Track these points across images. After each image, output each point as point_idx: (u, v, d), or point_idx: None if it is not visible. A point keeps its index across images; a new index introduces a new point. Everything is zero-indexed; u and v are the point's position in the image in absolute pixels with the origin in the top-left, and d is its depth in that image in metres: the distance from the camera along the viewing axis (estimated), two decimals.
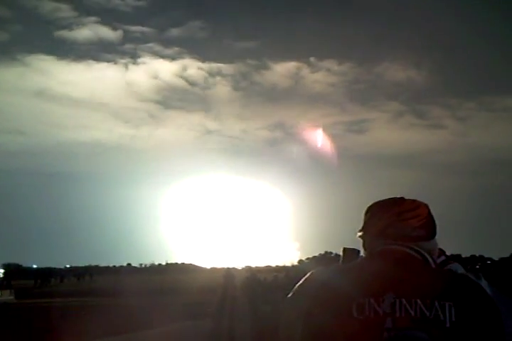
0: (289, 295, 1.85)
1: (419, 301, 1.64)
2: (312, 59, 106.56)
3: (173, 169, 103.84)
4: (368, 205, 1.94)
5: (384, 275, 1.71)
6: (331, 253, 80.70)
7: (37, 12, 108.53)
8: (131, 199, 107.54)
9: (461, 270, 1.80)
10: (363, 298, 1.67)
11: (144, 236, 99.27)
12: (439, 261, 1.83)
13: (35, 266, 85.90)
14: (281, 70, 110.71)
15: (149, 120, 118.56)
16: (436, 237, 1.90)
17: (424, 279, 1.70)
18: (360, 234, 1.92)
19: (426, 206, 1.89)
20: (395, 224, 1.81)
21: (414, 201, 1.89)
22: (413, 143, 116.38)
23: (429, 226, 1.85)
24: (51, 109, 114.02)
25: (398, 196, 1.91)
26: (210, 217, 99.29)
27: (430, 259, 1.78)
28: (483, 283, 1.72)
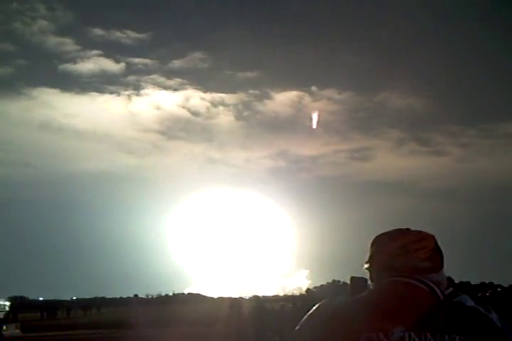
0: (297, 328, 1.83)
1: (428, 335, 1.62)
2: (313, 88, 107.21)
3: (177, 198, 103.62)
4: (374, 237, 1.92)
5: (392, 309, 1.69)
6: (338, 281, 79.57)
7: (41, 46, 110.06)
8: (136, 230, 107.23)
9: (470, 302, 1.76)
10: (372, 332, 1.65)
11: (150, 267, 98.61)
12: (447, 292, 1.80)
13: (41, 299, 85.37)
14: (283, 99, 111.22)
15: (153, 150, 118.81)
16: (445, 265, 1.87)
17: (433, 312, 1.67)
18: (366, 266, 1.90)
19: (432, 237, 1.85)
20: (401, 256, 1.78)
21: (420, 232, 1.86)
22: (416, 170, 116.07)
23: (435, 258, 1.82)
24: (56, 140, 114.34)
25: (404, 225, 1.89)
26: (216, 246, 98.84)
27: (438, 291, 1.75)
28: (494, 316, 1.69)
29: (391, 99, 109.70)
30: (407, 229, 1.89)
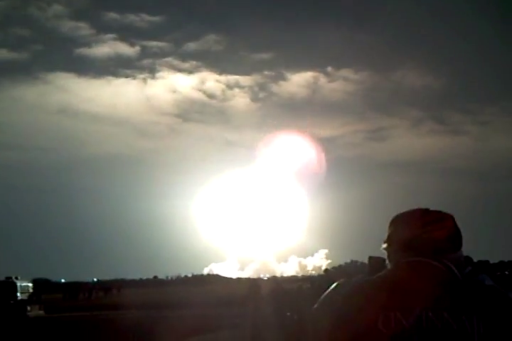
0: (315, 306, 1.85)
1: (446, 314, 1.62)
2: (329, 68, 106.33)
3: (195, 181, 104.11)
4: (392, 217, 1.92)
5: (410, 288, 1.69)
6: (356, 261, 79.94)
7: (56, 31, 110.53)
8: (154, 212, 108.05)
9: (488, 281, 1.77)
10: (390, 311, 1.65)
11: (170, 249, 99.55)
12: (466, 272, 1.80)
13: (63, 281, 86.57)
14: (299, 80, 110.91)
15: (169, 133, 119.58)
16: (464, 244, 1.87)
17: (451, 292, 1.68)
18: (384, 246, 1.89)
19: (451, 217, 1.84)
20: (420, 236, 1.77)
21: (439, 212, 1.84)
22: (434, 149, 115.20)
23: (454, 238, 1.81)
24: (73, 125, 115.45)
25: (421, 205, 1.87)
26: (235, 226, 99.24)
27: (456, 271, 1.75)
28: (511, 295, 1.69)
29: (408, 78, 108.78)
30: (426, 209, 1.88)
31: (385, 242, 1.90)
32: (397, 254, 1.82)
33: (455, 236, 1.82)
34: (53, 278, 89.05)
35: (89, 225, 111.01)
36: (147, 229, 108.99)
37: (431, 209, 1.89)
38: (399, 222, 1.88)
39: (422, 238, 1.78)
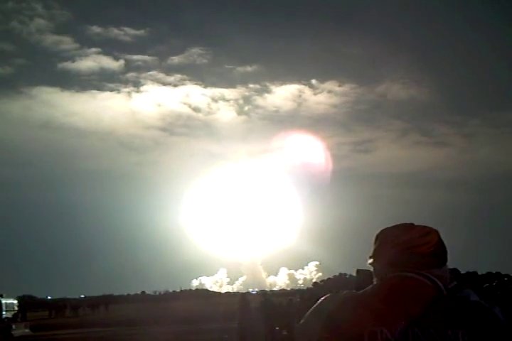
0: (301, 321, 1.83)
1: (432, 330, 1.62)
2: (314, 81, 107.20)
3: (181, 194, 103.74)
4: (377, 232, 1.91)
5: (396, 304, 1.69)
6: (345, 274, 79.90)
7: (39, 45, 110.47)
8: (140, 226, 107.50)
9: (474, 296, 1.75)
10: (375, 327, 1.64)
11: (157, 264, 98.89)
12: (450, 286, 1.80)
13: (49, 297, 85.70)
14: (283, 93, 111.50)
15: (155, 147, 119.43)
16: (451, 256, 1.87)
17: (436, 307, 1.67)
18: (370, 261, 1.89)
19: (436, 232, 1.84)
20: (405, 251, 1.77)
21: (424, 227, 1.84)
22: (419, 161, 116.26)
23: (439, 253, 1.81)
24: (57, 139, 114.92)
25: (408, 216, 1.92)
26: (225, 239, 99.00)
27: (442, 286, 1.75)
28: (497, 311, 1.68)
29: (392, 90, 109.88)
30: (411, 224, 1.88)
31: (370, 257, 1.89)
32: (383, 269, 1.82)
33: (440, 251, 1.82)
34: (39, 295, 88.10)
35: (75, 240, 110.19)
36: (134, 244, 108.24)
37: (416, 223, 1.88)
38: (384, 237, 1.88)
39: (407, 253, 1.78)
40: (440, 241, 1.84)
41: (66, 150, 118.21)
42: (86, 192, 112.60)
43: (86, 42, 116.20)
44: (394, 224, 1.91)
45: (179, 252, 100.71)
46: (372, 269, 1.88)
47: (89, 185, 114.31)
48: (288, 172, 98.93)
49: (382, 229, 1.91)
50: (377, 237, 1.90)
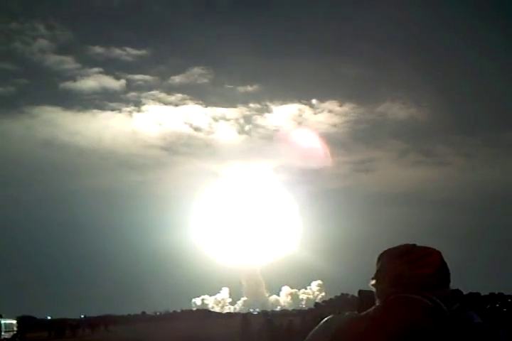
0: None
1: None
2: (314, 101, 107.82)
3: (182, 214, 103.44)
4: (380, 253, 1.91)
5: (398, 325, 1.68)
6: (347, 294, 79.30)
7: (41, 65, 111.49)
8: (142, 245, 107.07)
9: (477, 318, 1.75)
10: None
11: (157, 283, 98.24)
12: (453, 308, 1.79)
13: (49, 318, 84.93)
14: (284, 112, 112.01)
15: (156, 166, 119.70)
16: (453, 276, 1.87)
17: (439, 329, 1.66)
18: (373, 282, 1.88)
19: (438, 253, 1.84)
20: (407, 273, 1.77)
21: (426, 248, 1.84)
22: (419, 181, 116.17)
23: (441, 275, 1.80)
24: (60, 158, 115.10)
25: (409, 236, 1.94)
26: (227, 258, 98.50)
27: (445, 308, 1.74)
28: (501, 333, 1.68)
29: (392, 110, 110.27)
30: (413, 245, 1.88)
31: (373, 278, 1.89)
32: (386, 291, 1.81)
33: (442, 272, 1.82)
34: (39, 316, 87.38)
35: (75, 260, 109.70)
36: (135, 263, 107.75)
37: (418, 244, 1.88)
38: (386, 258, 1.88)
39: (409, 274, 1.78)
40: (442, 262, 1.83)
41: (68, 169, 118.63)
42: (86, 211, 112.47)
43: (88, 62, 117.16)
44: (395, 245, 1.91)
45: (180, 271, 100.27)
46: (374, 290, 1.88)
47: (90, 204, 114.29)
48: (288, 190, 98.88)
49: (384, 250, 1.91)
50: (380, 258, 1.90)
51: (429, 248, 1.86)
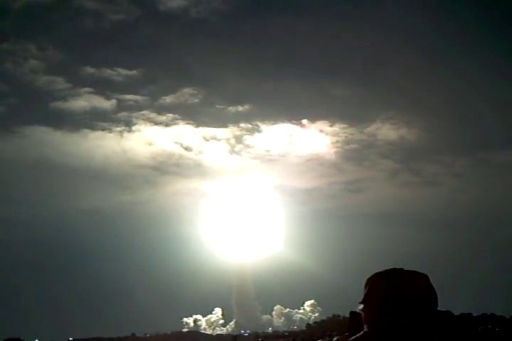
0: None
1: None
2: (304, 121, 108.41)
3: (173, 234, 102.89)
4: (367, 277, 1.91)
5: None
6: (339, 316, 78.64)
7: (32, 85, 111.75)
8: (130, 266, 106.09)
9: None
10: None
11: (146, 305, 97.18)
12: (442, 332, 1.79)
13: None
14: (275, 133, 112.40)
15: (147, 186, 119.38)
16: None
17: None
18: (361, 307, 1.88)
19: (425, 277, 1.84)
20: (395, 297, 1.77)
21: (413, 272, 1.84)
22: (410, 201, 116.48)
23: (429, 299, 1.81)
24: (50, 178, 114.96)
25: (399, 256, 1.91)
26: (214, 284, 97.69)
27: (433, 333, 1.74)
28: None
29: (382, 131, 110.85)
30: (401, 270, 1.88)
31: (360, 303, 1.89)
32: (373, 315, 1.81)
33: (430, 297, 1.82)
34: (27, 339, 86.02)
35: (62, 282, 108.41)
36: (124, 284, 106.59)
37: (406, 268, 1.89)
38: (373, 283, 1.88)
39: (397, 299, 1.78)
40: (430, 287, 1.83)
41: (58, 189, 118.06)
42: (77, 231, 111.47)
43: (79, 82, 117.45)
44: (386, 264, 1.91)
45: (171, 290, 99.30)
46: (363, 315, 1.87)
47: (81, 224, 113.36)
48: (279, 209, 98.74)
49: (372, 274, 1.91)
50: (367, 283, 1.89)
51: (417, 272, 1.86)
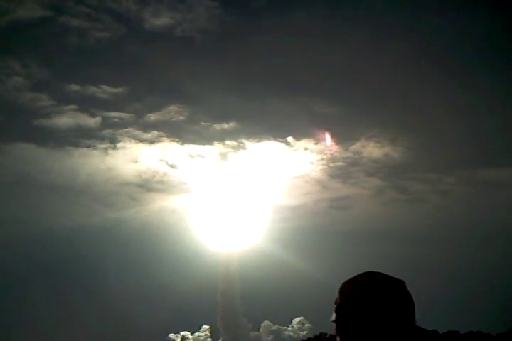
0: None
1: None
2: (290, 138, 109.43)
3: (156, 251, 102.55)
4: (341, 284, 1.78)
5: None
6: (325, 334, 78.41)
7: (16, 102, 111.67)
8: (119, 284, 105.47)
9: None
10: None
11: (135, 321, 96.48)
12: None
13: None
14: (260, 150, 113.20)
15: (132, 203, 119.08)
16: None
17: None
18: (333, 317, 1.74)
19: (402, 284, 1.72)
20: (368, 309, 1.64)
21: (387, 280, 1.72)
22: (396, 218, 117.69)
23: (404, 311, 1.67)
24: (33, 196, 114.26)
25: (379, 271, 1.75)
26: (205, 293, 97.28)
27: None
28: None
29: (367, 149, 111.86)
30: (373, 275, 1.73)
31: (334, 313, 1.75)
32: (346, 330, 1.67)
33: (405, 306, 1.69)
34: None
35: (52, 298, 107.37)
36: (112, 302, 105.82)
37: (380, 273, 1.75)
38: (345, 292, 1.75)
39: (371, 310, 1.65)
40: (406, 295, 1.70)
41: (42, 206, 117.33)
42: (62, 249, 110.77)
43: (63, 100, 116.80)
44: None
45: (155, 307, 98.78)
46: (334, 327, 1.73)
47: (64, 242, 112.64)
48: (264, 227, 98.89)
49: (344, 281, 1.78)
50: (340, 291, 1.76)
51: (391, 278, 1.72)
